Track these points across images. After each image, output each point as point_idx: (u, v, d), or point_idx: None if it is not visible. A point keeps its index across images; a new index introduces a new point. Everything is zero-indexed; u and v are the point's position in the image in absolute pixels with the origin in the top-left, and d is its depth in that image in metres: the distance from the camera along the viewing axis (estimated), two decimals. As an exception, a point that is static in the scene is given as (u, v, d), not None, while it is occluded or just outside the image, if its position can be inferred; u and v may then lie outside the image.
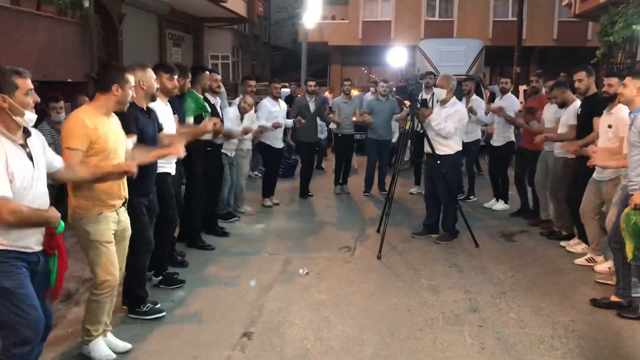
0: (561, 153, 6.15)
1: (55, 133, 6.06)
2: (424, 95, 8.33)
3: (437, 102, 6.53)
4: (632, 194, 4.09)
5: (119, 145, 3.53)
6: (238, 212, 7.40)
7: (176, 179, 5.07)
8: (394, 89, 12.31)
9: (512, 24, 21.79)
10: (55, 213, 2.81)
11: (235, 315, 4.35)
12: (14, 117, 2.70)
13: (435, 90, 6.54)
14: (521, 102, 8.91)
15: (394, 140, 9.85)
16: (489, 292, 4.87)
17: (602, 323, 4.26)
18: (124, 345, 3.73)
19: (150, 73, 4.12)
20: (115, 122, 3.60)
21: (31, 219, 2.73)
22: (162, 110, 4.61)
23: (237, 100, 7.59)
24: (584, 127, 5.62)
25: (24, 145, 2.77)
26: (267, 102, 7.98)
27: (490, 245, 6.30)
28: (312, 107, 8.58)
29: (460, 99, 6.87)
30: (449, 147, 6.32)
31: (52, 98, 6.25)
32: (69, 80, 8.85)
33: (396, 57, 18.64)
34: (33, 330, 2.77)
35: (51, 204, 2.93)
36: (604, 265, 5.28)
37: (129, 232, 3.76)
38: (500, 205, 7.98)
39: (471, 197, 8.60)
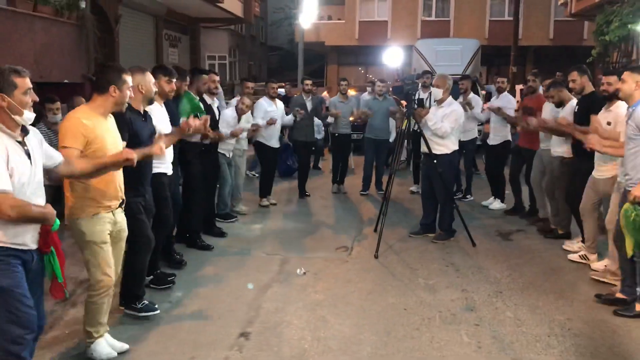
0: (558, 152, 6.18)
1: (52, 134, 6.05)
2: (420, 94, 8.34)
3: (434, 102, 6.53)
4: (630, 190, 4.12)
5: (116, 147, 3.53)
6: (234, 211, 7.40)
7: (173, 180, 5.07)
8: (391, 89, 12.32)
9: (508, 23, 21.83)
10: (51, 210, 2.83)
11: (233, 315, 4.36)
12: (12, 116, 2.71)
13: (431, 89, 6.55)
14: (518, 102, 8.92)
15: (391, 139, 9.87)
16: (485, 291, 4.89)
17: (598, 321, 4.28)
18: (121, 346, 3.72)
19: (150, 77, 4.12)
20: (112, 123, 3.60)
21: (31, 214, 2.74)
22: (158, 111, 4.62)
23: (234, 101, 7.59)
24: (581, 125, 5.63)
25: (22, 143, 2.78)
26: (263, 102, 7.98)
27: (487, 244, 6.31)
28: (309, 105, 8.58)
29: (456, 98, 6.88)
30: (445, 146, 6.33)
31: (49, 99, 6.23)
32: (66, 81, 8.85)
33: (392, 57, 18.66)
34: (27, 329, 2.77)
35: (48, 203, 2.93)
36: (600, 263, 5.30)
37: (125, 233, 3.76)
38: (497, 204, 8.00)
39: (468, 196, 8.61)
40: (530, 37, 25.28)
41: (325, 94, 14.00)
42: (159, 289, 4.82)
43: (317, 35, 27.06)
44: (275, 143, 8.06)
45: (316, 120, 9.38)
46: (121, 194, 3.63)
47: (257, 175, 9.90)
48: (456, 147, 6.45)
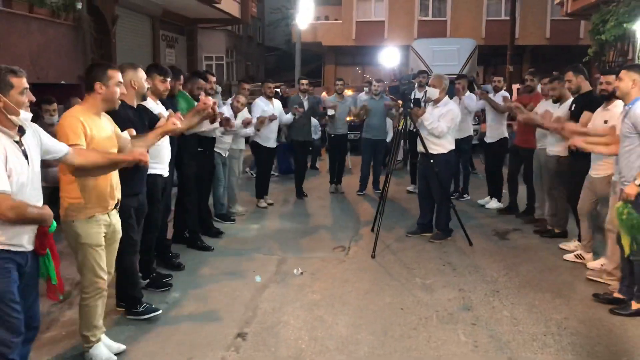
0: (553, 151, 6.19)
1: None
2: (416, 94, 8.36)
3: (430, 101, 6.54)
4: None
5: (111, 145, 3.53)
6: (230, 212, 7.40)
7: (168, 182, 5.07)
8: (387, 89, 12.33)
9: (505, 23, 21.88)
10: (49, 211, 2.83)
11: (230, 316, 4.36)
12: (9, 116, 2.70)
13: (427, 89, 6.56)
14: (517, 99, 8.95)
15: (388, 139, 9.87)
16: (482, 291, 4.90)
17: (594, 320, 4.29)
18: (118, 347, 3.72)
19: (141, 73, 4.14)
20: (106, 122, 3.58)
21: (30, 215, 2.73)
22: (155, 109, 4.62)
23: (229, 101, 7.60)
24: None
25: (20, 143, 2.77)
26: (260, 102, 7.98)
27: (484, 243, 6.32)
28: (306, 105, 8.59)
29: (451, 98, 6.89)
30: (441, 146, 6.34)
31: (45, 100, 6.22)
32: (62, 82, 8.83)
33: (389, 57, 18.68)
34: (14, 334, 2.77)
35: (45, 204, 2.92)
36: (597, 263, 5.31)
37: (119, 235, 3.73)
38: (494, 204, 8.01)
39: (465, 195, 8.63)
40: (526, 37, 25.32)
41: (324, 94, 14.00)
42: (160, 292, 4.82)
43: (314, 35, 27.07)
44: (271, 143, 8.06)
45: (313, 121, 9.39)
46: (117, 194, 3.62)
47: (254, 175, 9.89)
48: (453, 147, 6.45)
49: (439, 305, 4.58)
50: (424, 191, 6.63)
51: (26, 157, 2.78)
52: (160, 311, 4.28)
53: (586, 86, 5.80)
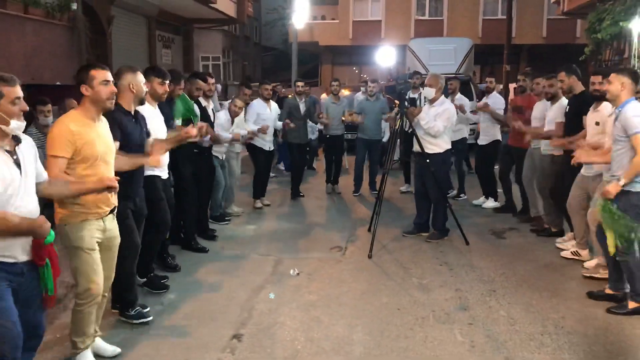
0: (548, 150, 6.18)
1: (42, 137, 6.00)
2: (410, 95, 8.36)
3: (426, 101, 6.53)
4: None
5: (108, 152, 3.47)
6: (226, 213, 7.38)
7: (167, 183, 5.04)
8: (384, 88, 12.32)
9: (501, 22, 21.83)
10: (44, 223, 2.72)
11: (225, 317, 4.34)
12: None
13: (424, 89, 6.55)
14: (511, 99, 8.95)
15: (385, 139, 9.87)
16: (479, 290, 4.89)
17: (591, 319, 4.28)
18: (113, 350, 3.70)
19: (140, 76, 4.04)
20: (103, 127, 3.51)
21: (14, 228, 2.63)
22: (151, 114, 4.55)
23: (227, 104, 7.59)
24: (572, 125, 5.64)
25: (12, 152, 2.71)
26: (256, 104, 7.95)
27: (481, 243, 6.31)
28: (302, 107, 8.57)
29: (447, 97, 6.89)
30: (438, 146, 6.33)
31: (40, 101, 6.19)
32: (57, 83, 8.80)
33: (385, 57, 18.67)
34: (9, 345, 2.67)
35: (41, 210, 2.87)
36: (593, 262, 5.30)
37: (117, 241, 3.67)
38: (490, 203, 8.01)
39: (461, 195, 8.62)
40: (523, 36, 25.36)
41: (323, 95, 13.95)
42: (152, 292, 4.80)
43: (311, 35, 27.05)
44: (268, 145, 8.04)
45: (310, 121, 9.36)
46: (112, 199, 3.53)
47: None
48: (449, 147, 6.45)
49: (435, 305, 4.57)
50: (420, 191, 6.62)
51: (19, 166, 2.71)
52: (150, 318, 4.21)
53: (579, 87, 5.77)
